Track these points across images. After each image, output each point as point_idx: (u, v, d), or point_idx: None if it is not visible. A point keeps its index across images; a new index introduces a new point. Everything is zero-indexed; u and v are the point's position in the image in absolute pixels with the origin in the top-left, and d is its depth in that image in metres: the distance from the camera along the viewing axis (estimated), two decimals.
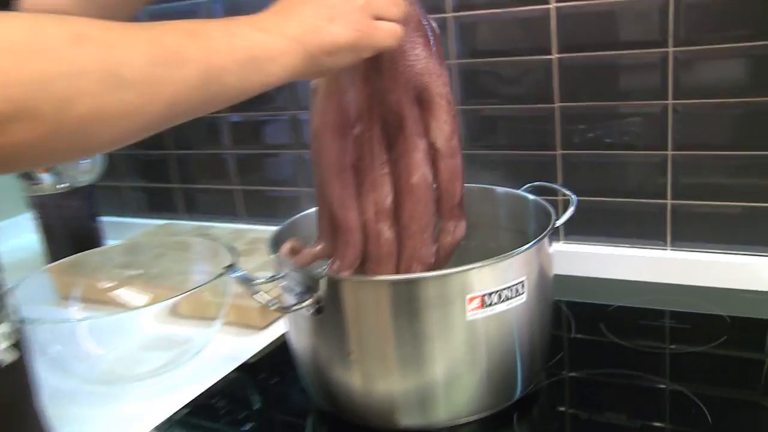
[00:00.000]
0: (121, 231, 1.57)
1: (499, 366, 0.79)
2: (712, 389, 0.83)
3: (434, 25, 0.77)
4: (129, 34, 0.49)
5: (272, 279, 0.84)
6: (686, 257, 1.09)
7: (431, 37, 0.75)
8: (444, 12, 1.15)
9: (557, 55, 1.10)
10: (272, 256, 0.83)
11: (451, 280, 0.73)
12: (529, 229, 0.92)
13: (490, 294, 0.74)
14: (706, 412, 0.78)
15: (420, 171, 0.77)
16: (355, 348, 0.77)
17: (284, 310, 0.77)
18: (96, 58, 0.46)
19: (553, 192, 0.99)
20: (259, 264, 1.23)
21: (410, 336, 0.74)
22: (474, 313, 0.74)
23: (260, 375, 0.97)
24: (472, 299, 0.74)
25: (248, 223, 1.51)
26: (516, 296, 0.76)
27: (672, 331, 0.98)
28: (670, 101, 1.04)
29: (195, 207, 1.58)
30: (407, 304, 0.73)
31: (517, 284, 0.76)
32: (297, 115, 1.38)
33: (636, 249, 1.13)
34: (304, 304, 0.76)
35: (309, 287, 0.77)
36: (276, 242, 0.87)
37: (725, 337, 0.93)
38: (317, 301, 0.76)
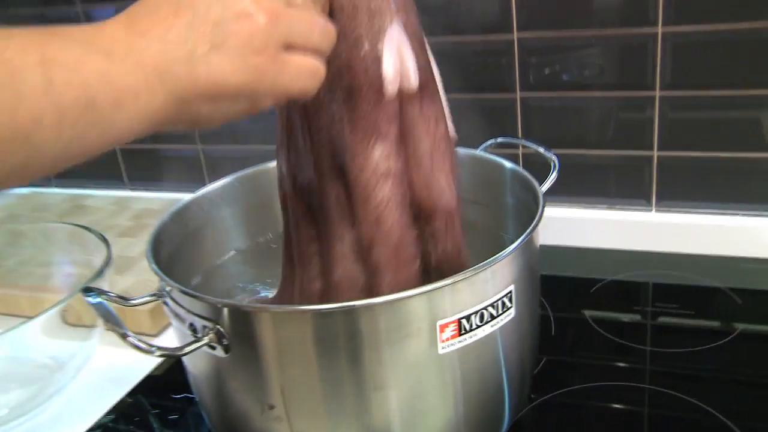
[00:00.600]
0: None
1: (481, 402, 0.58)
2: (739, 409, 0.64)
3: (389, 66, 0.51)
4: None
5: (156, 297, 0.60)
6: (672, 220, 0.90)
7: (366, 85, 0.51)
8: None
9: None
10: (152, 267, 0.58)
11: (410, 305, 0.50)
12: (504, 202, 0.70)
13: (470, 316, 0.52)
14: None
15: (341, 267, 0.55)
16: (277, 401, 0.53)
17: (171, 353, 0.53)
18: None
19: (516, 148, 0.77)
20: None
21: (354, 384, 0.52)
22: (448, 344, 0.52)
23: (161, 401, 0.73)
24: (444, 326, 0.51)
25: (134, 191, 1.24)
26: (503, 312, 0.55)
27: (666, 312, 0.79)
28: (660, 28, 0.83)
29: (66, 170, 1.28)
30: (348, 340, 0.50)
31: (503, 297, 0.54)
32: None
33: (615, 211, 0.93)
34: (199, 343, 0.52)
35: (206, 317, 0.53)
36: (156, 244, 0.62)
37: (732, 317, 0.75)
38: (219, 338, 0.52)
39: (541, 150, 0.72)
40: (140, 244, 0.99)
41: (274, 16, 0.43)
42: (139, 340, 0.51)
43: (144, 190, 1.23)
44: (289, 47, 0.44)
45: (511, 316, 0.56)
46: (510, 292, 0.55)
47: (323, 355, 0.51)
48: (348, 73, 0.51)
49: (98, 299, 0.54)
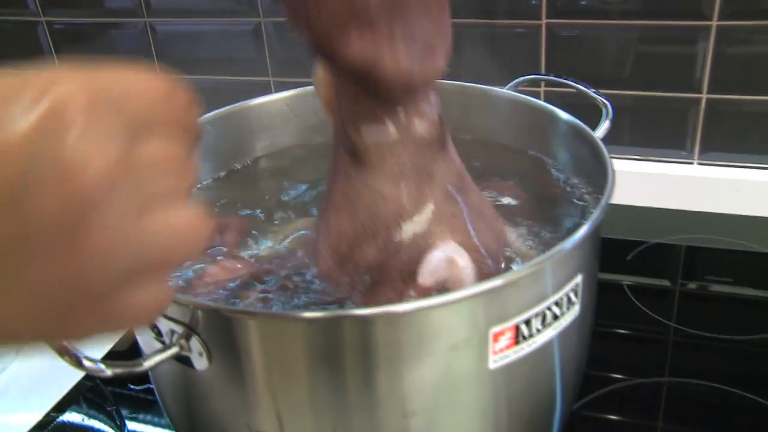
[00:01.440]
0: None
1: (528, 419, 0.45)
2: None
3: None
4: None
5: None
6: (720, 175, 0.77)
7: None
8: None
9: None
10: None
11: (457, 310, 0.37)
12: (555, 156, 0.56)
13: (530, 319, 0.39)
14: None
15: None
16: (270, 427, 0.40)
17: (130, 369, 0.38)
18: None
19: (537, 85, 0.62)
20: None
21: (371, 409, 0.39)
22: (501, 356, 0.39)
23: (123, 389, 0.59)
24: (499, 335, 0.38)
25: None
26: (567, 311, 0.42)
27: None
28: None
29: None
30: (365, 355, 0.37)
31: (569, 291, 0.41)
32: None
33: (652, 163, 0.79)
34: (166, 353, 0.38)
35: (175, 320, 0.39)
36: None
37: None
38: (193, 347, 0.38)
39: (590, 92, 0.58)
40: None
41: None
42: (85, 357, 0.36)
43: None
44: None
45: (576, 314, 0.43)
46: (577, 284, 0.42)
47: (332, 373, 0.38)
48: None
49: None
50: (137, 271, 0.24)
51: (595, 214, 0.41)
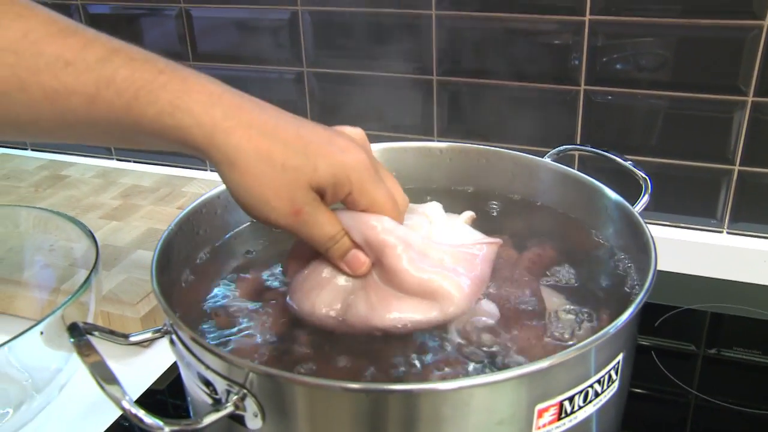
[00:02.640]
0: None
1: None
2: None
3: None
4: None
5: (162, 334, 0.47)
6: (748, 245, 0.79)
7: None
8: None
9: None
10: (155, 292, 0.45)
11: (506, 389, 0.38)
12: (601, 232, 0.57)
13: (573, 397, 0.40)
14: None
15: None
16: None
17: (187, 428, 0.40)
18: None
19: (605, 163, 0.64)
20: (142, 238, 0.83)
21: None
22: (545, 431, 0.40)
23: None
24: (543, 411, 0.40)
25: (122, 159, 1.09)
26: (608, 387, 0.43)
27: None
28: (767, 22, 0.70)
29: None
30: (406, 427, 0.38)
31: (611, 369, 0.42)
32: (187, 9, 0.95)
33: (681, 230, 0.81)
34: (222, 412, 0.40)
35: (231, 379, 0.40)
36: (162, 261, 0.49)
37: None
38: (248, 407, 0.40)
39: (631, 167, 0.59)
40: (130, 231, 0.85)
41: None
42: (144, 412, 0.38)
43: (134, 162, 1.08)
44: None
45: (615, 389, 0.44)
46: (618, 362, 0.43)
47: None
48: None
49: (89, 351, 0.41)
50: None
51: (639, 299, 0.43)
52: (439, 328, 0.47)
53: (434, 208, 0.52)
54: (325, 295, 0.49)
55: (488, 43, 0.81)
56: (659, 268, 0.44)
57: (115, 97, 0.42)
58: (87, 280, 0.60)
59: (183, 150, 0.45)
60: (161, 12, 0.97)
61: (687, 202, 0.80)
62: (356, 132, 0.49)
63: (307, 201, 0.45)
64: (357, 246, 0.48)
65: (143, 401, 0.64)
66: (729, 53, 0.72)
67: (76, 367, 0.63)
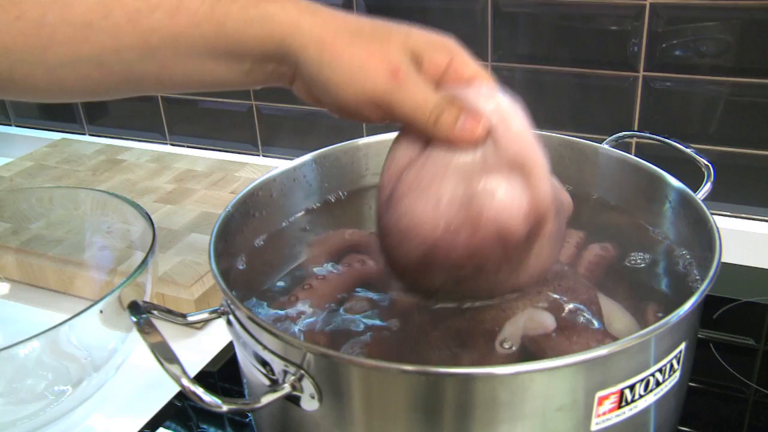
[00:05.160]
0: (2, 143, 1.16)
1: None
2: None
3: None
4: None
5: (219, 314, 0.47)
6: None
7: None
8: None
9: None
10: (214, 272, 0.45)
11: (566, 375, 0.38)
12: (660, 222, 0.56)
13: (634, 385, 0.40)
14: None
15: None
16: None
17: (245, 406, 0.40)
18: None
19: (658, 149, 0.63)
20: (195, 221, 0.85)
21: None
22: (604, 419, 0.40)
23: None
24: (604, 398, 0.39)
25: (176, 144, 1.11)
26: (669, 377, 0.42)
27: None
28: None
29: (101, 116, 1.16)
30: (461, 410, 0.38)
31: (672, 359, 0.41)
32: None
33: (751, 222, 0.79)
34: (279, 393, 0.40)
35: (288, 360, 0.41)
36: (219, 243, 0.50)
37: None
38: (305, 387, 0.40)
39: (694, 154, 0.58)
40: (184, 214, 0.87)
41: None
42: (202, 389, 0.39)
43: (187, 147, 1.10)
44: None
45: (677, 379, 0.43)
46: (680, 351, 0.42)
47: (430, 426, 0.39)
48: None
49: (149, 329, 0.42)
50: None
51: (702, 288, 0.42)
52: None
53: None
54: (448, 184, 0.41)
55: (544, 29, 0.80)
56: (723, 259, 0.43)
57: (199, 2, 0.42)
58: (144, 261, 0.61)
59: (265, 51, 0.43)
60: None
61: (749, 191, 0.78)
62: None
63: (404, 60, 0.41)
64: None
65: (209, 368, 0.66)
66: None
67: (132, 347, 0.64)
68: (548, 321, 0.46)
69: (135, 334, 0.57)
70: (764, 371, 0.64)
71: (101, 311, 0.57)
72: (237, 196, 0.55)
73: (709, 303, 0.71)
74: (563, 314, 0.47)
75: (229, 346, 0.68)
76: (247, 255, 0.56)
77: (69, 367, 0.64)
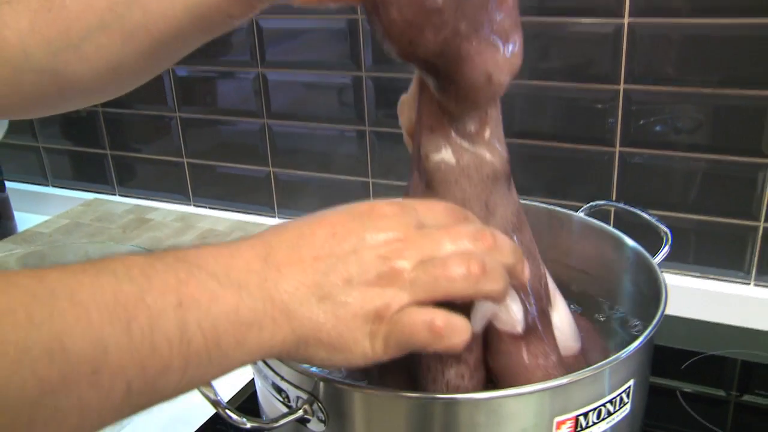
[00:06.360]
0: (37, 203, 1.26)
1: None
2: None
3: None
4: (2, 341, 0.29)
5: None
6: None
7: None
8: None
9: (629, 20, 0.81)
10: None
11: (529, 401, 0.46)
12: (615, 278, 0.65)
13: (588, 413, 0.48)
14: None
15: None
16: None
17: (263, 426, 0.49)
18: None
19: (630, 217, 0.71)
20: None
21: None
22: None
23: None
24: (561, 423, 0.47)
25: (199, 206, 1.21)
26: (620, 409, 0.50)
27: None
28: None
29: (130, 179, 1.26)
30: (448, 430, 0.46)
31: (622, 392, 0.50)
32: (264, 73, 1.06)
33: (710, 281, 0.87)
34: (293, 415, 0.49)
35: (302, 388, 0.49)
36: None
37: None
38: (314, 411, 0.48)
39: (654, 221, 0.67)
40: None
41: (406, 284, 0.40)
42: (232, 411, 0.47)
43: (209, 208, 1.20)
44: (419, 304, 0.41)
45: (626, 412, 0.51)
46: (629, 387, 0.50)
47: None
48: None
49: None
50: None
51: (650, 329, 0.50)
52: None
53: None
54: None
55: (529, 107, 0.90)
56: (688, 315, 0.50)
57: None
58: None
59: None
60: (237, 75, 1.09)
61: (716, 255, 0.87)
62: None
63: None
64: None
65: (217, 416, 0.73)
66: (750, 118, 0.80)
67: None
68: (518, 317, 0.50)
69: None
70: (736, 421, 0.71)
71: None
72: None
73: (675, 354, 0.79)
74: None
75: (243, 390, 0.77)
76: None
77: None
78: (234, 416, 0.47)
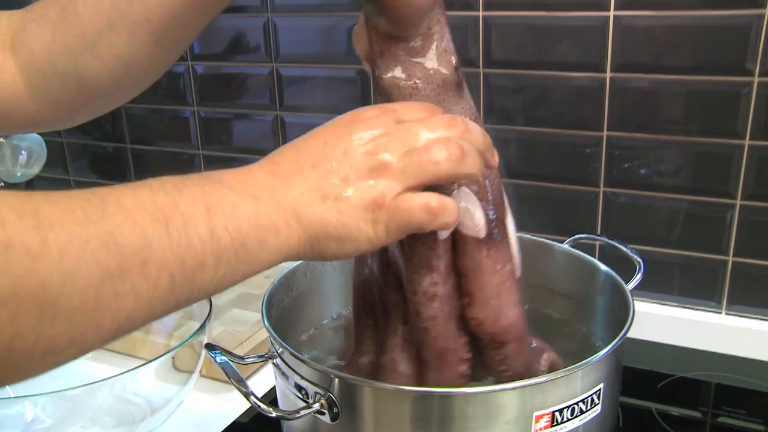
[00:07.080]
0: None
1: None
2: None
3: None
4: (67, 233, 0.35)
5: (266, 358, 0.65)
6: (743, 325, 0.93)
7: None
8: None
9: (611, 74, 0.91)
10: (270, 333, 0.63)
11: (510, 396, 0.55)
12: (592, 300, 0.73)
13: (563, 409, 0.56)
14: None
15: (390, 354, 0.61)
16: None
17: (286, 416, 0.57)
18: (19, 283, 0.32)
19: (606, 247, 0.80)
20: (236, 299, 1.02)
21: None
22: None
23: None
24: (540, 417, 0.55)
25: None
26: (591, 408, 0.58)
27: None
28: (747, 141, 0.87)
29: None
30: (444, 423, 0.55)
31: (593, 394, 0.58)
32: (282, 115, 1.16)
33: (685, 310, 0.96)
34: (311, 409, 0.57)
35: (319, 384, 0.57)
36: (270, 302, 0.67)
37: None
38: (329, 405, 0.57)
39: (628, 251, 0.75)
40: (226, 294, 1.04)
41: (396, 173, 0.47)
42: (261, 401, 0.56)
43: None
44: (411, 190, 0.47)
45: (597, 412, 0.59)
46: (599, 389, 0.59)
47: None
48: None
49: (223, 358, 0.59)
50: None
51: (619, 337, 0.59)
52: None
53: None
54: None
55: (519, 149, 1.00)
56: (661, 340, 0.56)
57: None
58: (202, 326, 0.78)
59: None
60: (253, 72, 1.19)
61: (691, 286, 0.95)
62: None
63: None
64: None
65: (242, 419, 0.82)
66: (720, 163, 0.89)
67: (183, 397, 0.80)
68: (481, 223, 0.55)
69: (189, 386, 0.74)
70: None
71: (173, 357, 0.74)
72: (282, 273, 0.73)
73: (650, 376, 0.87)
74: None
75: (267, 394, 0.85)
76: (285, 317, 0.73)
77: (132, 410, 0.80)
78: (263, 406, 0.55)
